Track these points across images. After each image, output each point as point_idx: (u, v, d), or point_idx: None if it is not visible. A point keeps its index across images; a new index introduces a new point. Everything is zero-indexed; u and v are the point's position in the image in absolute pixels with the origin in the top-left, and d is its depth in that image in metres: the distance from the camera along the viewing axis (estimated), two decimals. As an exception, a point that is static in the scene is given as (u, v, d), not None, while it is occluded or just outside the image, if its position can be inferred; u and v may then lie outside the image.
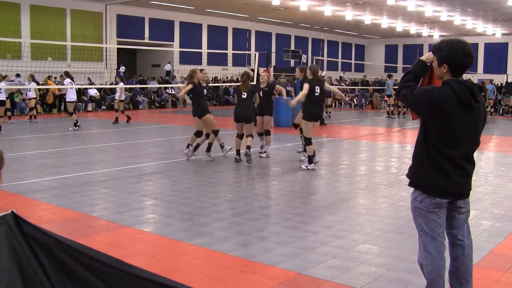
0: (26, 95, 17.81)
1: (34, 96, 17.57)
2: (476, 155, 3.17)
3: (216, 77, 28.77)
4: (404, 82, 3.16)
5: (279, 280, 3.96)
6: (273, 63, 32.13)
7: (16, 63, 19.27)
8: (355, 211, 6.13)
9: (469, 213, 3.23)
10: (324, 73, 27.35)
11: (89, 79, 23.52)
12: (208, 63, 27.09)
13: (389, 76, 21.90)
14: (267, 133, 9.99)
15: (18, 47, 20.63)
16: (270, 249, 4.66)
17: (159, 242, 4.92)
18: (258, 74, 15.42)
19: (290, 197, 6.87)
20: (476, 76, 29.26)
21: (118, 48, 26.14)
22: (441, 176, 3.03)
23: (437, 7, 25.71)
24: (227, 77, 29.00)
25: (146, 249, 4.73)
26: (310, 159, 8.75)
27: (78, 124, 14.64)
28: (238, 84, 10.07)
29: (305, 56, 31.79)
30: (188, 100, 9.74)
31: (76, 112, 17.85)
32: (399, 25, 33.16)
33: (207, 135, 9.61)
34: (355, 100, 28.07)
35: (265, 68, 21.57)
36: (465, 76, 3.69)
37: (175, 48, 28.59)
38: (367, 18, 29.86)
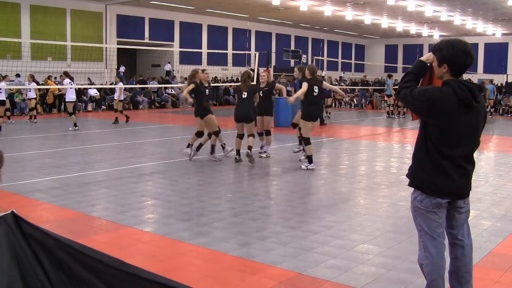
0: (26, 95, 17.81)
1: (34, 96, 17.57)
2: (476, 155, 3.17)
3: (216, 77, 28.78)
4: (404, 83, 3.16)
5: (279, 280, 3.96)
6: (273, 63, 32.13)
7: (16, 63, 19.27)
8: (355, 211, 6.13)
9: (469, 213, 3.23)
10: (324, 73, 27.37)
11: (89, 79, 23.53)
12: (208, 63, 27.09)
13: (389, 76, 21.91)
14: (268, 133, 9.99)
15: (18, 47, 20.63)
16: (270, 249, 4.66)
17: (159, 242, 4.92)
18: (258, 74, 15.41)
19: (290, 197, 6.87)
20: (476, 76, 29.27)
21: (118, 48, 26.14)
22: (441, 176, 3.03)
23: (437, 7, 25.72)
24: (227, 77, 29.00)
25: (146, 249, 4.73)
26: (310, 159, 8.75)
27: (77, 127, 14.62)
28: (238, 84, 10.07)
29: (305, 56, 31.79)
30: (190, 99, 9.69)
31: (76, 112, 17.87)
32: (399, 25, 33.17)
33: (209, 135, 9.60)
34: (355, 100, 28.07)
35: (265, 68, 21.57)
36: (465, 76, 3.69)
37: (175, 48, 28.59)
38: (367, 18, 29.86)
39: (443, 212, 3.12)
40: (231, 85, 27.38)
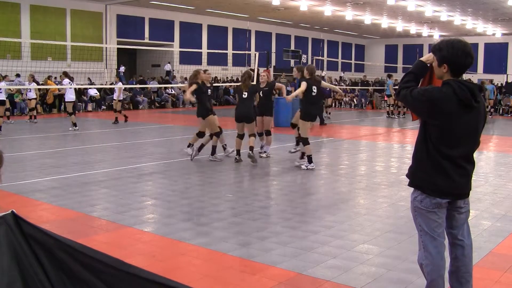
0: (27, 95, 17.81)
1: (35, 96, 17.57)
2: (476, 155, 3.17)
3: (216, 77, 28.78)
4: (404, 83, 3.16)
5: (279, 280, 3.96)
6: (273, 63, 32.13)
7: (16, 63, 19.27)
8: (355, 211, 6.13)
9: (469, 213, 3.23)
10: (324, 73, 27.36)
11: (89, 79, 23.53)
12: (208, 63, 27.08)
13: (389, 76, 21.91)
14: (268, 133, 9.99)
15: (18, 47, 20.63)
16: (270, 249, 4.66)
17: (159, 242, 4.92)
18: (258, 74, 15.41)
19: (290, 197, 6.87)
20: (476, 76, 29.27)
21: (118, 48, 26.14)
22: (441, 176, 3.03)
23: (437, 7, 25.72)
24: (227, 77, 29.01)
25: (146, 249, 4.73)
26: (310, 159, 8.76)
27: (76, 127, 14.61)
28: (238, 84, 10.07)
29: (305, 56, 31.79)
30: (193, 99, 9.63)
31: (76, 112, 17.86)
32: (399, 25, 33.17)
33: (211, 136, 9.59)
34: (355, 100, 28.07)
35: (265, 68, 21.57)
36: (465, 76, 3.69)
37: (175, 48, 28.59)
38: (367, 18, 29.86)
39: (443, 212, 3.12)
40: (231, 85, 27.39)
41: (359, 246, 4.79)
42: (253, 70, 17.75)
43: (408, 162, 3.66)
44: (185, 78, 27.85)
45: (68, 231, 4.98)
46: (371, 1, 24.41)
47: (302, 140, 8.86)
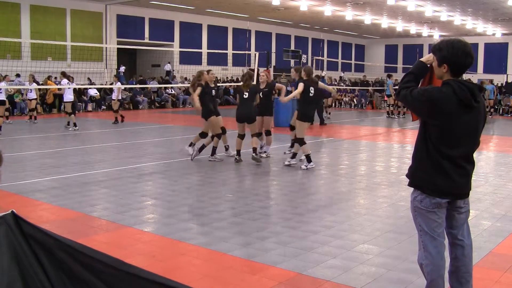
0: (27, 95, 17.80)
1: (35, 96, 17.56)
2: (476, 155, 3.17)
3: (216, 77, 28.76)
4: (404, 83, 3.16)
5: (279, 280, 3.96)
6: (273, 63, 32.13)
7: (16, 63, 19.27)
8: (355, 211, 6.13)
9: (469, 213, 3.23)
10: (324, 73, 27.35)
11: (89, 79, 23.53)
12: (208, 63, 27.09)
13: (389, 76, 21.91)
14: (268, 133, 9.99)
15: (18, 47, 20.63)
16: (270, 249, 4.66)
17: (159, 242, 4.92)
18: (258, 74, 15.41)
19: (290, 197, 6.87)
20: (476, 76, 29.26)
21: (118, 48, 26.14)
22: (441, 176, 3.03)
23: (437, 7, 25.71)
24: (227, 77, 29.01)
25: (146, 249, 4.73)
26: (309, 158, 8.78)
27: (70, 127, 14.60)
28: (238, 84, 10.07)
29: (305, 56, 31.78)
30: (199, 107, 9.46)
31: (76, 112, 17.86)
32: (399, 25, 33.17)
33: (212, 137, 9.58)
34: (355, 100, 28.08)
35: (265, 68, 21.57)
36: (465, 76, 3.69)
37: (175, 48, 28.59)
38: (367, 18, 29.86)
39: (443, 212, 3.12)
40: (231, 85, 27.39)
41: (359, 246, 4.79)
42: (253, 70, 17.77)
43: (408, 162, 3.67)
44: (185, 78, 27.92)
45: (68, 231, 4.98)
46: (371, 1, 24.40)
47: (297, 141, 8.89)
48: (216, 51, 27.40)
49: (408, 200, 3.41)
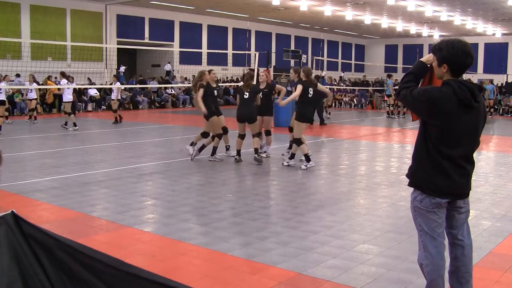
0: (27, 95, 17.80)
1: (35, 96, 17.56)
2: (476, 155, 3.17)
3: (216, 77, 28.77)
4: (404, 83, 3.16)
5: (279, 280, 3.96)
6: (273, 63, 32.11)
7: (16, 63, 19.27)
8: (355, 211, 6.13)
9: (468, 213, 3.23)
10: (324, 73, 27.35)
11: (89, 79, 23.53)
12: (208, 63, 27.09)
13: (389, 76, 21.92)
14: (268, 133, 10.00)
15: (18, 47, 20.63)
16: (270, 249, 4.66)
17: (159, 242, 4.92)
18: (258, 74, 15.40)
19: (290, 197, 6.87)
20: (476, 76, 29.26)
21: (118, 48, 26.14)
22: (441, 176, 3.03)
23: (437, 7, 25.71)
24: (227, 77, 29.02)
25: (146, 249, 4.73)
26: (307, 158, 8.79)
27: (68, 127, 14.59)
28: (238, 84, 10.08)
29: (305, 56, 31.75)
30: (205, 110, 9.46)
31: (76, 112, 17.86)
32: (399, 25, 33.17)
33: (213, 138, 9.57)
34: (355, 100, 28.08)
35: (265, 68, 21.57)
36: (465, 76, 3.70)
37: (175, 48, 28.59)
38: (367, 18, 29.86)
39: (443, 212, 3.12)
40: (231, 85, 27.39)
41: (359, 246, 4.79)
42: (253, 70, 17.77)
43: (408, 162, 3.67)
44: (185, 78, 27.92)
45: (68, 231, 4.98)
46: (371, 1, 24.41)
47: (295, 141, 8.90)
48: (216, 51, 27.40)
49: (408, 200, 3.41)
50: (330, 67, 37.08)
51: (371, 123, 19.39)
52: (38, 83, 18.71)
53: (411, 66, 3.29)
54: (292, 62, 28.24)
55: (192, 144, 9.77)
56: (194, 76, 27.50)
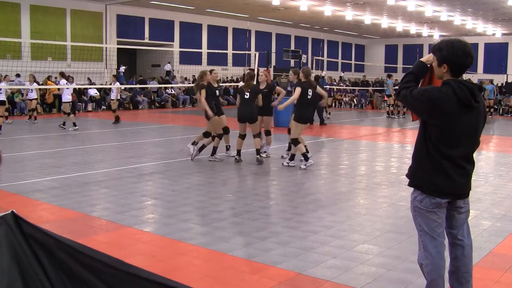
0: (27, 95, 17.79)
1: (36, 96, 17.56)
2: (476, 155, 3.17)
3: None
4: (404, 83, 3.17)
5: (279, 280, 3.96)
6: (273, 63, 32.11)
7: (16, 63, 19.27)
8: (355, 211, 6.13)
9: (468, 213, 3.23)
10: (324, 73, 27.35)
11: (89, 79, 23.52)
12: (208, 63, 27.09)
13: (389, 76, 21.92)
14: (268, 133, 10.00)
15: (18, 47, 20.63)
16: (270, 249, 4.66)
17: (159, 242, 4.92)
18: (258, 74, 15.38)
19: (290, 197, 6.87)
20: (476, 76, 29.26)
21: (118, 48, 26.14)
22: (441, 176, 3.03)
23: (437, 7, 25.71)
24: (227, 77, 29.02)
25: (146, 249, 4.73)
26: (306, 157, 8.80)
27: (66, 127, 14.59)
28: (237, 84, 10.08)
29: (305, 56, 31.75)
30: (211, 113, 9.46)
31: (76, 112, 17.87)
32: (399, 25, 33.17)
33: (213, 138, 9.57)
34: (355, 100, 28.08)
35: (265, 68, 21.57)
36: (465, 76, 3.69)
37: (175, 48, 28.59)
38: (367, 18, 29.86)
39: (443, 212, 3.12)
40: (231, 85, 27.39)
41: (359, 246, 4.80)
42: (253, 70, 17.76)
43: (408, 162, 3.67)
44: (185, 78, 27.92)
45: (68, 231, 4.98)
46: (371, 1, 24.40)
47: (292, 141, 8.91)
48: (216, 51, 27.40)
49: (408, 200, 3.41)
50: (330, 67, 37.09)
51: (371, 123, 19.39)
52: (38, 83, 18.72)
53: (411, 66, 3.29)
54: (292, 62, 28.23)
55: (194, 143, 9.77)
56: (194, 76, 27.60)
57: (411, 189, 3.20)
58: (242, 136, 9.36)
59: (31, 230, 2.37)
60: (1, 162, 2.42)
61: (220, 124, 9.50)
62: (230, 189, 7.42)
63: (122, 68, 26.57)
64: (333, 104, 24.80)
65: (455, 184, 3.05)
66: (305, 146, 9.24)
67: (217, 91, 9.69)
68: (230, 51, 30.25)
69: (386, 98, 22.70)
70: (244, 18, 31.24)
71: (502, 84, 27.82)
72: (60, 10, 24.41)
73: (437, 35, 36.35)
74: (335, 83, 29.13)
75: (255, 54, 19.94)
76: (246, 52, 27.77)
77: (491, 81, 25.19)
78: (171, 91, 26.13)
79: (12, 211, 2.39)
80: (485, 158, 10.60)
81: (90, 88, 21.71)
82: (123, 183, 7.56)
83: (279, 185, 7.77)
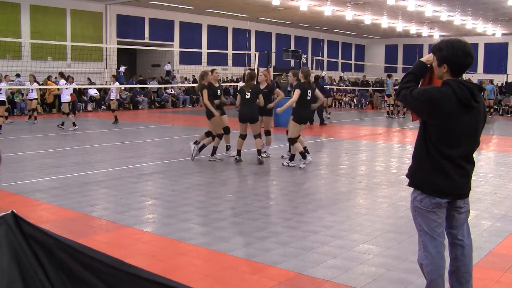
0: (27, 95, 17.79)
1: (36, 96, 17.56)
2: (476, 155, 3.17)
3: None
4: (404, 83, 3.17)
5: (279, 280, 3.96)
6: (273, 63, 32.11)
7: (16, 63, 19.27)
8: (355, 211, 6.13)
9: (468, 213, 3.23)
10: (324, 73, 27.35)
11: (89, 79, 23.52)
12: (208, 63, 27.09)
13: (389, 76, 21.92)
14: (267, 133, 10.00)
15: (18, 47, 20.63)
16: (270, 249, 4.66)
17: (159, 242, 4.92)
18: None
19: (290, 197, 6.87)
20: (476, 76, 29.27)
21: (118, 48, 26.14)
22: (441, 176, 3.03)
23: (437, 7, 25.71)
24: (227, 77, 29.02)
25: (146, 249, 4.73)
26: (303, 155, 8.82)
27: (65, 127, 14.60)
28: (237, 84, 10.09)
29: (305, 56, 31.75)
30: (217, 113, 9.49)
31: (76, 112, 17.86)
32: (399, 25, 33.17)
33: (213, 137, 9.57)
34: (355, 100, 28.09)
35: (265, 68, 21.57)
36: (465, 76, 3.70)
37: (175, 48, 28.59)
38: (367, 18, 29.86)
39: (443, 212, 3.12)
40: (231, 85, 27.39)
41: (359, 246, 4.80)
42: (253, 70, 17.75)
43: (408, 162, 3.67)
44: (185, 78, 27.92)
45: (68, 231, 4.98)
46: (371, 1, 24.41)
47: (289, 141, 8.92)
48: (216, 51, 27.40)
49: (408, 200, 3.41)
50: (330, 67, 37.09)
51: (371, 123, 19.39)
52: (38, 83, 18.71)
53: (411, 66, 3.29)
54: (292, 62, 28.22)
55: (196, 142, 9.77)
56: (194, 76, 27.61)
57: (411, 189, 3.20)
58: (243, 136, 9.37)
59: (31, 230, 2.37)
60: (1, 162, 2.42)
61: (220, 124, 9.50)
62: (230, 189, 7.42)
63: (122, 68, 26.56)
64: (333, 104, 24.79)
65: (455, 184, 3.05)
66: (305, 147, 9.25)
67: (218, 90, 9.69)
68: (230, 51, 30.25)
69: (386, 98, 22.70)
70: (244, 18, 31.24)
71: (502, 84, 27.82)
72: (60, 10, 24.41)
73: (437, 35, 36.35)
74: (335, 83, 29.13)
75: (255, 54, 19.94)
76: (246, 52, 27.78)
77: (491, 81, 25.18)
78: (171, 91, 26.14)
79: (12, 211, 2.39)
80: (485, 158, 10.60)
81: (90, 88, 21.70)
82: (123, 183, 7.56)
83: (279, 185, 7.77)
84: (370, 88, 27.78)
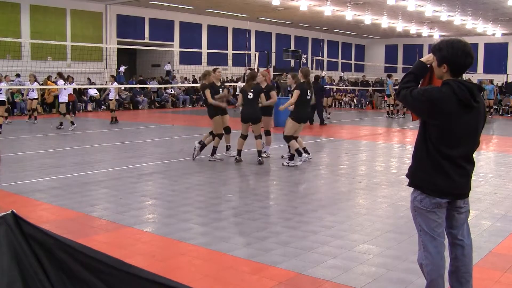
0: (28, 95, 17.79)
1: (36, 96, 17.56)
2: (476, 155, 3.17)
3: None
4: (404, 83, 3.17)
5: (279, 280, 3.96)
6: (273, 63, 32.13)
7: (16, 63, 19.27)
8: (355, 211, 6.13)
9: (468, 213, 3.23)
10: (324, 73, 27.34)
11: (89, 79, 23.52)
12: (208, 63, 27.09)
13: (389, 76, 21.92)
14: (267, 133, 10.00)
15: (18, 47, 20.63)
16: (270, 249, 4.66)
17: (159, 242, 4.92)
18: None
19: (290, 197, 6.87)
20: (476, 76, 29.26)
21: (118, 48, 26.14)
22: (441, 176, 3.03)
23: (437, 7, 25.71)
24: (227, 77, 29.00)
25: (146, 249, 4.73)
26: (299, 152, 8.85)
27: (62, 127, 14.60)
28: (237, 84, 10.09)
29: (305, 56, 31.76)
30: (223, 105, 9.53)
31: (76, 112, 17.85)
32: (399, 25, 33.17)
33: (213, 137, 9.56)
34: (355, 100, 28.08)
35: (265, 68, 21.56)
36: (465, 76, 3.69)
37: (175, 48, 28.59)
38: (367, 18, 29.86)
39: (443, 212, 3.12)
40: (230, 85, 27.38)
41: (359, 246, 4.80)
42: (254, 70, 17.74)
43: (408, 162, 3.67)
44: (185, 78, 27.90)
45: (68, 231, 4.99)
46: (371, 1, 24.40)
47: (285, 138, 8.95)
48: (216, 51, 27.40)
49: (408, 200, 3.41)
50: (330, 67, 37.09)
51: (371, 123, 19.39)
52: (38, 83, 18.71)
53: (411, 66, 3.29)
54: (292, 62, 28.19)
55: (200, 142, 9.76)
56: (194, 76, 27.60)
57: (411, 189, 3.20)
58: (244, 137, 9.36)
59: (31, 230, 2.37)
60: (1, 162, 2.42)
61: (221, 124, 9.49)
62: (230, 189, 7.42)
63: (122, 68, 26.56)
64: (333, 104, 24.78)
65: (455, 184, 3.05)
66: (304, 148, 9.25)
67: (220, 89, 9.69)
68: (230, 51, 30.25)
69: (386, 98, 22.69)
70: (244, 18, 31.24)
71: (502, 84, 27.81)
72: (60, 10, 24.41)
73: (437, 35, 36.35)
74: (334, 83, 29.13)
75: (255, 54, 19.95)
76: (246, 52, 27.78)
77: (491, 81, 25.18)
78: (171, 91, 26.13)
79: (12, 211, 2.39)
80: (485, 158, 10.60)
81: (90, 88, 21.70)
82: (123, 183, 7.56)
83: (279, 185, 7.77)
84: (370, 88, 27.78)
